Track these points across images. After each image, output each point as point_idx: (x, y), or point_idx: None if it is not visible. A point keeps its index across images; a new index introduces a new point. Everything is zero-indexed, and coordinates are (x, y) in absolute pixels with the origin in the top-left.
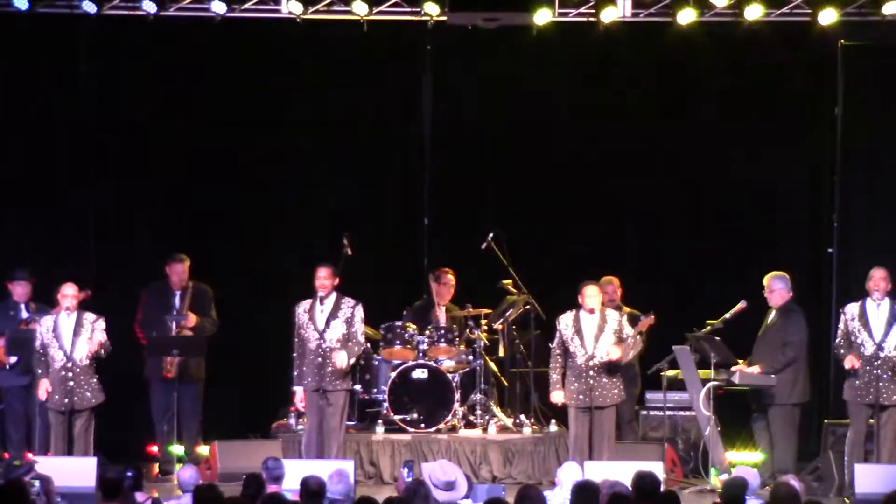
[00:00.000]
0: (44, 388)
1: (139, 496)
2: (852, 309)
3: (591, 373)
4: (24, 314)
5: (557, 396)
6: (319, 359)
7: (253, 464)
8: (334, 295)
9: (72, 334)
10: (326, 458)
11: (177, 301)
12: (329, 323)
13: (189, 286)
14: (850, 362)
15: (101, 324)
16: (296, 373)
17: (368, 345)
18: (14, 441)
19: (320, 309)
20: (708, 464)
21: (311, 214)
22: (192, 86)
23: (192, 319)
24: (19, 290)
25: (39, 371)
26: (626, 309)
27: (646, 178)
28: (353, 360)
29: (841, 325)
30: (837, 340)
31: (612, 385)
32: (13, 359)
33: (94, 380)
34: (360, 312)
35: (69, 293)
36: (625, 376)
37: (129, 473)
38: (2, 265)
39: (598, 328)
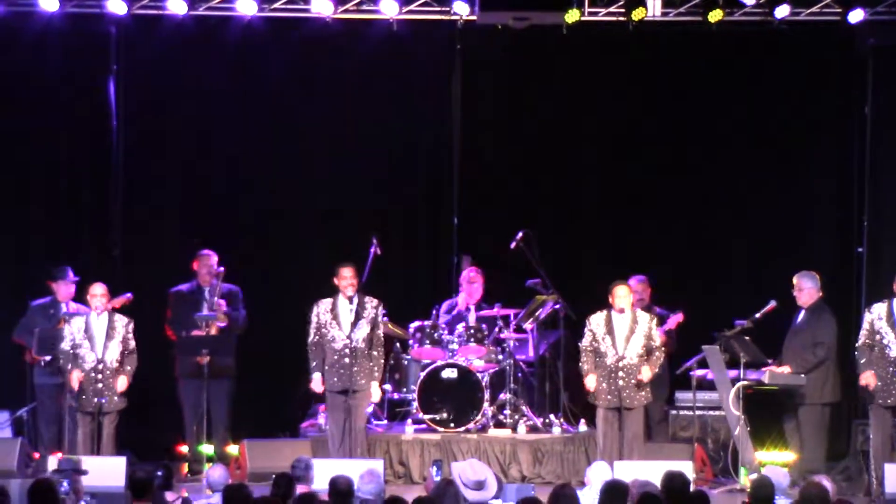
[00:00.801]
0: (76, 378)
1: (169, 496)
2: (879, 309)
3: (620, 374)
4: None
5: (591, 381)
6: (347, 359)
7: (282, 463)
8: (356, 295)
9: (104, 337)
10: (354, 457)
11: (206, 296)
12: (356, 324)
13: (218, 283)
14: (865, 380)
15: (132, 326)
16: (314, 363)
17: (398, 344)
18: (45, 440)
19: (349, 308)
20: (738, 463)
21: (341, 213)
22: (220, 84)
23: (221, 315)
24: (63, 290)
25: (70, 366)
26: (656, 308)
27: (675, 176)
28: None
29: (866, 325)
30: (861, 341)
31: (641, 387)
32: (47, 357)
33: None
34: (381, 312)
35: (98, 293)
36: (655, 377)
37: (159, 473)
38: (38, 264)
39: (629, 329)
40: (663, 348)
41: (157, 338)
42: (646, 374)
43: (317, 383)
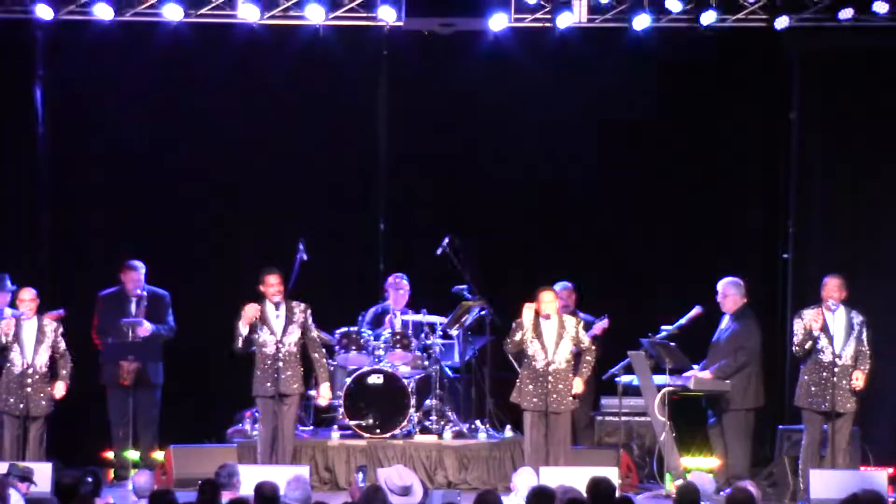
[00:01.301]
0: None
1: (97, 502)
2: (811, 314)
3: (549, 378)
4: None
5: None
6: (279, 363)
7: (208, 469)
8: (284, 301)
9: (34, 341)
10: (282, 463)
11: (132, 307)
12: (287, 329)
13: (144, 293)
14: (818, 327)
15: (61, 329)
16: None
17: (324, 349)
18: None
19: (275, 314)
20: (663, 469)
21: (267, 218)
22: (147, 90)
23: (146, 328)
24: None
25: None
26: (581, 314)
27: (600, 181)
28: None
29: (799, 329)
30: (797, 340)
31: (568, 391)
32: None
33: (49, 388)
34: (309, 315)
35: (26, 297)
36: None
37: (88, 479)
38: None
39: (557, 334)
40: (593, 348)
41: (84, 343)
42: (577, 386)
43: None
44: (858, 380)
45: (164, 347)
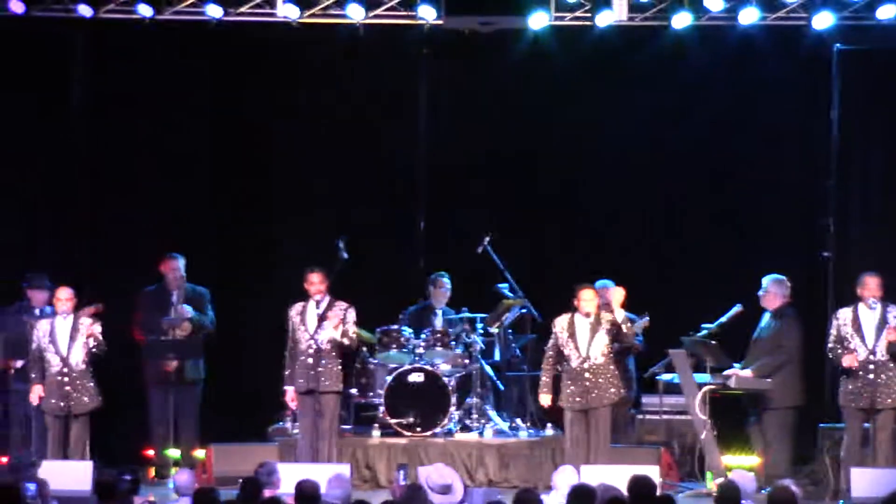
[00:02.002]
0: (36, 394)
1: (136, 500)
2: (845, 314)
3: (586, 375)
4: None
5: (545, 399)
6: (310, 360)
7: (249, 468)
8: (327, 298)
9: (68, 339)
10: (321, 461)
11: (174, 300)
12: (321, 324)
13: (185, 286)
14: (848, 361)
15: (98, 327)
16: (287, 372)
17: (365, 349)
18: (16, 443)
19: (314, 312)
20: (704, 468)
21: (308, 218)
22: (187, 88)
23: (187, 326)
24: (39, 296)
25: (34, 375)
26: (623, 311)
27: (641, 180)
28: (342, 340)
29: (833, 330)
30: (830, 344)
31: (609, 384)
32: (19, 363)
33: (91, 384)
34: (352, 315)
35: (63, 297)
36: (622, 379)
37: (127, 477)
38: (12, 269)
39: (591, 330)
40: (628, 323)
41: (125, 342)
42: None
43: (288, 397)
44: (891, 333)
45: (205, 345)
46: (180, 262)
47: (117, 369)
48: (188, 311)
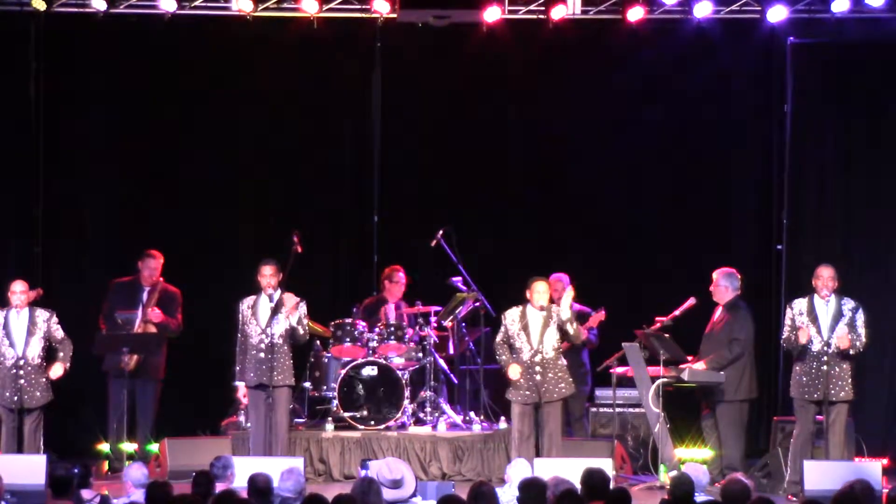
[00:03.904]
0: None
1: (86, 493)
2: (800, 304)
3: (536, 368)
4: None
5: (514, 370)
6: (262, 354)
7: (202, 461)
8: (278, 291)
9: (24, 333)
10: (274, 455)
11: (144, 297)
12: (274, 317)
13: (158, 285)
14: (804, 336)
15: (55, 319)
16: (237, 368)
17: (318, 342)
18: None
19: (267, 305)
20: (657, 460)
21: (261, 211)
22: (141, 83)
23: (158, 316)
24: None
25: None
26: (576, 305)
27: (595, 173)
28: (297, 327)
29: (787, 320)
30: (784, 335)
31: (559, 379)
32: None
33: (44, 379)
34: (303, 308)
35: (18, 290)
36: (574, 374)
37: (75, 470)
38: None
39: (543, 323)
40: (576, 323)
41: (82, 335)
42: (565, 309)
43: (240, 393)
44: (842, 340)
45: (160, 342)
46: (157, 262)
47: (75, 362)
48: (157, 316)
